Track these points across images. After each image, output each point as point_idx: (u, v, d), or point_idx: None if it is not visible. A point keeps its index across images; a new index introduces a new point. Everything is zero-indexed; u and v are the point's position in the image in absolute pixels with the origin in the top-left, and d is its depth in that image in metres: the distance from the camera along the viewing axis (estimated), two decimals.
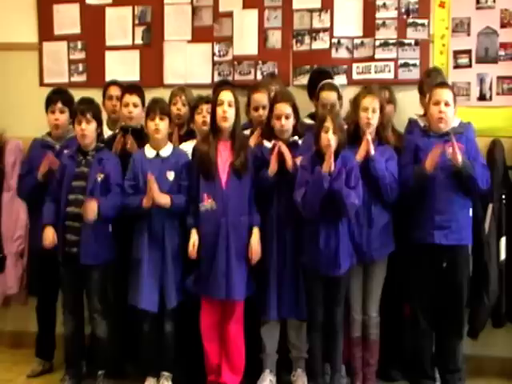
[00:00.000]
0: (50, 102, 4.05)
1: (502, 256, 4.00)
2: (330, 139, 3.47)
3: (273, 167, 3.63)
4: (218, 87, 4.02)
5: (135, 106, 3.99)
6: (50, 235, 3.72)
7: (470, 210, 3.71)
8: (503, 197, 4.03)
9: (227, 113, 3.64)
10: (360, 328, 3.74)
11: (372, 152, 3.59)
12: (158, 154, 3.76)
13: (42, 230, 3.77)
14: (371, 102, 3.65)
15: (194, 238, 3.65)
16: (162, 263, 3.69)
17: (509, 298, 4.01)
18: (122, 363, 4.04)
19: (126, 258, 3.75)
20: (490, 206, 3.97)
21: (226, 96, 3.68)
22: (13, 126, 4.52)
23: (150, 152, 3.77)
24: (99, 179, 3.71)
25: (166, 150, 3.78)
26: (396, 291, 3.82)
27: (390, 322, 3.83)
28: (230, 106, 3.66)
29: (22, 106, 4.59)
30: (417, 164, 3.64)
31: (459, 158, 3.52)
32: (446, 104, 3.61)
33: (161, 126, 3.72)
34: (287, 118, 3.68)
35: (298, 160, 3.66)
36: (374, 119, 3.65)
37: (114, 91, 4.20)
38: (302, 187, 3.51)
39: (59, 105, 4.01)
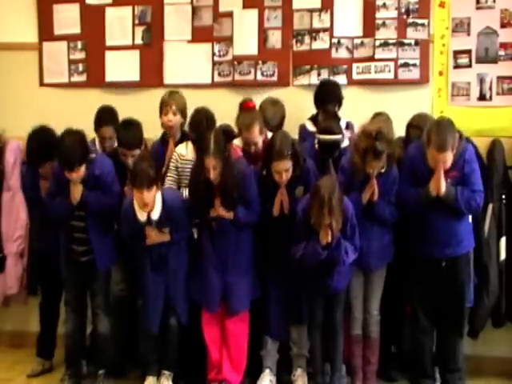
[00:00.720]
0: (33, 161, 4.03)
1: (502, 256, 4.00)
2: (326, 227, 3.45)
3: (276, 211, 3.67)
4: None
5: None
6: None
7: (469, 217, 3.71)
8: (503, 197, 4.03)
9: (213, 176, 3.59)
10: (360, 326, 3.74)
11: (375, 197, 3.61)
12: (149, 218, 3.64)
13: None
14: (376, 166, 3.59)
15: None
16: (168, 281, 3.72)
17: (509, 297, 4.01)
18: (123, 362, 4.05)
19: (128, 257, 3.79)
20: (490, 206, 3.97)
21: (210, 162, 3.58)
22: (13, 126, 4.51)
23: (141, 215, 3.65)
24: None
25: (156, 211, 3.66)
26: (396, 291, 3.82)
27: (390, 322, 3.84)
28: (214, 169, 3.58)
29: (22, 106, 4.60)
30: (415, 186, 3.64)
31: (442, 189, 3.52)
32: (444, 162, 3.53)
33: (149, 198, 3.58)
34: (287, 171, 3.66)
35: (298, 190, 3.70)
36: (379, 169, 3.62)
37: (106, 132, 4.11)
38: (299, 243, 3.53)
39: (47, 164, 3.92)
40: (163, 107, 4.05)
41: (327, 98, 4.02)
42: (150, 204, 3.59)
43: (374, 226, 3.68)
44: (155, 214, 3.64)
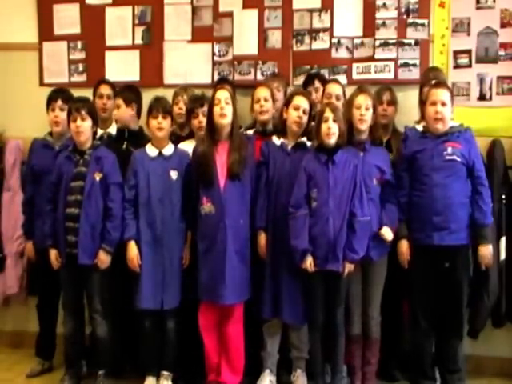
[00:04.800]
0: (50, 101, 4.05)
1: (502, 256, 3.99)
2: (330, 127, 3.51)
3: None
4: (216, 85, 4.05)
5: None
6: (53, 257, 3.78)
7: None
8: (503, 197, 4.03)
9: (224, 109, 3.63)
10: (360, 327, 3.73)
11: None
12: (160, 153, 3.76)
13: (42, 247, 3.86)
14: (364, 100, 3.66)
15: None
16: (163, 264, 3.69)
17: (509, 297, 4.01)
18: (122, 363, 4.04)
19: (124, 257, 3.75)
20: None
21: (222, 94, 3.67)
22: (13, 126, 4.52)
23: (152, 151, 3.77)
24: (98, 179, 3.70)
25: (169, 149, 3.78)
26: (396, 291, 3.81)
27: (390, 322, 3.83)
28: (226, 103, 3.65)
29: (21, 105, 4.60)
30: (414, 168, 3.65)
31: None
32: (443, 104, 3.61)
33: (163, 124, 3.73)
34: (304, 112, 3.69)
35: None
36: (367, 116, 3.66)
37: (105, 90, 4.21)
38: (299, 206, 3.54)
39: (59, 102, 4.00)
40: (175, 97, 4.15)
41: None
42: (164, 130, 3.74)
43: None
44: (167, 151, 3.77)
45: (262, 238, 3.71)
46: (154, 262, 3.69)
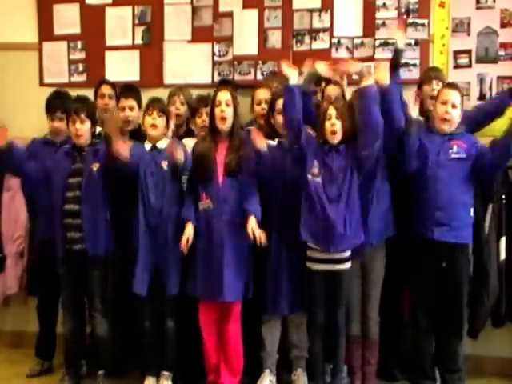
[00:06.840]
0: (49, 108, 4.06)
1: (502, 256, 3.98)
2: (334, 123, 3.51)
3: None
4: (217, 87, 4.04)
5: (131, 109, 4.02)
6: None
7: (472, 210, 3.69)
8: (503, 197, 4.02)
9: (225, 113, 3.65)
10: (359, 327, 3.72)
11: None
12: (155, 146, 3.77)
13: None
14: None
15: (188, 232, 3.63)
16: (161, 250, 3.69)
17: (509, 297, 4.00)
18: (123, 362, 4.04)
19: (125, 253, 3.76)
20: (490, 206, 3.97)
21: (223, 96, 3.68)
22: (13, 126, 4.50)
23: (147, 146, 3.79)
24: (95, 169, 3.71)
25: (163, 143, 3.78)
26: (395, 290, 3.81)
27: (390, 322, 3.83)
28: (227, 105, 3.66)
29: (21, 105, 4.60)
30: (420, 160, 3.64)
31: None
32: (453, 106, 3.62)
33: (158, 121, 3.73)
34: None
35: None
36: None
37: (106, 90, 4.22)
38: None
39: (58, 114, 4.00)
40: (171, 98, 4.13)
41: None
42: (157, 129, 3.73)
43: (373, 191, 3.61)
44: (162, 144, 3.76)
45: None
46: (149, 249, 3.68)
